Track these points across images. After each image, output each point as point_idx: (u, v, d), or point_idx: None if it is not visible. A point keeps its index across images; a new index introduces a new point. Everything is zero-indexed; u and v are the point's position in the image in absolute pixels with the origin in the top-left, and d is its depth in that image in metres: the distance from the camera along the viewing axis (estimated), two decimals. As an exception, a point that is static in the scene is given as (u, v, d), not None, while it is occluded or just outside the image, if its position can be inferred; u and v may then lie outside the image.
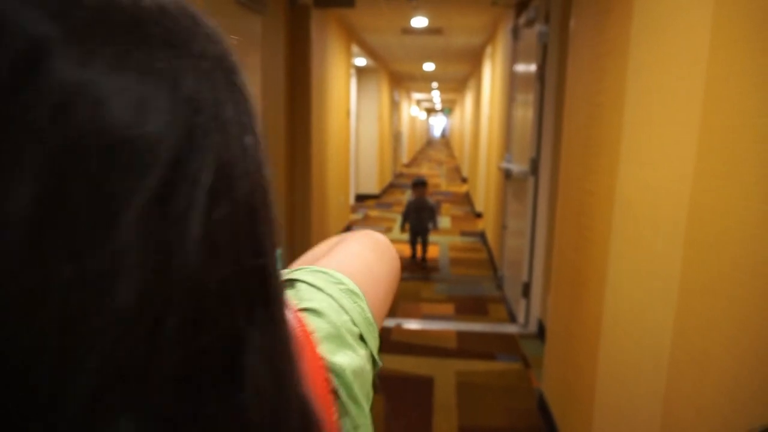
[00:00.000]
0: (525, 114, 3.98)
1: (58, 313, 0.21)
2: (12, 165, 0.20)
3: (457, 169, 16.01)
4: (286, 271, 0.52)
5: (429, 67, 10.63)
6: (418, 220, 5.40)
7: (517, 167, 4.10)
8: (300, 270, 0.51)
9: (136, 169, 0.22)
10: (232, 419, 0.26)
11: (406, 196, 10.17)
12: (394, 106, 13.03)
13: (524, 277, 3.86)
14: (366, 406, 0.45)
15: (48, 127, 0.21)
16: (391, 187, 11.60)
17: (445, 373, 3.16)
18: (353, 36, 7.02)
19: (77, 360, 0.21)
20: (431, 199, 5.68)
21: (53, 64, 0.21)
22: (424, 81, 14.35)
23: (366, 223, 7.81)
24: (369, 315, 0.49)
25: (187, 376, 0.24)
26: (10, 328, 0.20)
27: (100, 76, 0.22)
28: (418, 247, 5.54)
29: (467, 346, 3.58)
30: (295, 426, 0.30)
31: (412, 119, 21.06)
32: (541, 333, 3.62)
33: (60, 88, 0.21)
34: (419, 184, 5.47)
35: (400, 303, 4.38)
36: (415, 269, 5.35)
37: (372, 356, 0.48)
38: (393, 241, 6.33)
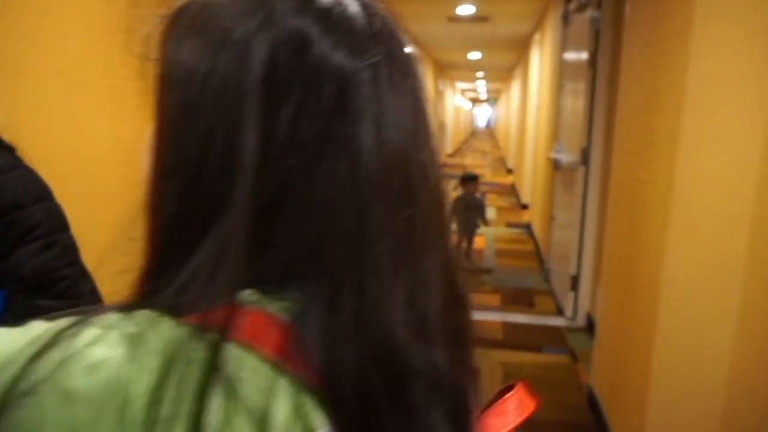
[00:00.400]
0: (575, 102, 3.87)
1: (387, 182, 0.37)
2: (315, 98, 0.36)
3: (502, 160, 15.77)
4: None
5: (475, 55, 10.48)
6: (467, 217, 4.99)
7: (567, 157, 4.00)
8: None
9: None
10: (437, 268, 0.40)
11: (451, 187, 10.08)
12: (439, 95, 12.92)
13: (572, 270, 3.78)
14: None
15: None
16: (435, 178, 11.52)
17: (490, 364, 3.14)
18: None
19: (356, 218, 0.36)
20: (479, 194, 5.40)
21: (356, 89, 0.36)
22: (469, 70, 14.17)
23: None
24: None
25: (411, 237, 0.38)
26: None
27: (377, 69, 0.37)
28: (463, 243, 5.16)
29: (513, 338, 3.54)
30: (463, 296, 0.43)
31: (457, 109, 20.85)
32: (589, 326, 3.54)
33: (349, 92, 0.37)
34: (469, 179, 5.04)
35: (444, 294, 4.36)
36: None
37: None
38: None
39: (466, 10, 5.90)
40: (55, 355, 0.31)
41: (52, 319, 0.34)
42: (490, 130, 36.88)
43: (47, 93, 1.76)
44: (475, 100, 34.84)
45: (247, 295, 0.34)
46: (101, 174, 2.02)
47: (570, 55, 4.19)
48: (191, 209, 0.36)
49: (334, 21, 0.37)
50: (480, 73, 15.45)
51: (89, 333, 0.32)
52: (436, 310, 0.39)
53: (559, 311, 4.02)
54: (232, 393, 0.31)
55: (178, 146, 0.36)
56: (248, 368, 0.32)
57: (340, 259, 0.35)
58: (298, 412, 0.33)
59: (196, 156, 0.35)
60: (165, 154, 0.37)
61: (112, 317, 0.33)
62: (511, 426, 0.42)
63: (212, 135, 0.35)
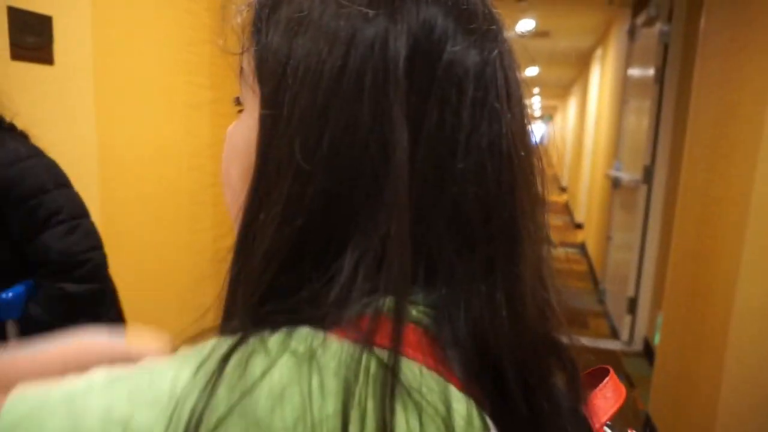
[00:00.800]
0: (638, 119, 3.74)
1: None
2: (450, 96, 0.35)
3: (555, 178, 15.44)
4: None
5: (532, 71, 10.34)
6: None
7: (628, 175, 3.86)
8: None
9: (487, 94, 0.36)
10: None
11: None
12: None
13: (630, 292, 3.63)
14: None
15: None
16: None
17: (540, 385, 3.04)
18: (456, 39, 6.96)
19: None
20: None
21: (492, 78, 0.36)
22: (525, 86, 13.97)
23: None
24: None
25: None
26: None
27: (503, 55, 0.38)
28: None
29: (565, 360, 3.42)
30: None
31: (510, 126, 20.52)
32: (647, 352, 3.38)
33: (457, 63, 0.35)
34: None
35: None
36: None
37: None
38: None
39: (526, 25, 5.83)
40: (232, 386, 0.29)
41: (192, 342, 0.32)
42: (543, 147, 36.20)
43: (135, 97, 1.86)
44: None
45: (387, 302, 0.32)
46: (173, 175, 2.09)
47: (635, 71, 4.06)
48: (333, 212, 0.33)
49: (461, 10, 0.36)
50: (536, 89, 15.23)
51: (259, 360, 0.30)
52: (553, 294, 0.40)
53: (614, 334, 3.86)
54: (415, 403, 0.30)
55: (307, 147, 0.33)
56: (421, 378, 0.31)
57: (496, 253, 0.35)
58: (472, 415, 0.32)
59: (334, 155, 0.33)
60: (283, 156, 0.34)
61: (274, 339, 0.31)
62: (614, 409, 0.42)
63: (354, 132, 0.33)
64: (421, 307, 0.34)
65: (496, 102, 0.36)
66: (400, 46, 0.33)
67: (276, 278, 0.34)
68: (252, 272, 0.34)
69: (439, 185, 0.34)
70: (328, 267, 0.32)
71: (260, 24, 0.36)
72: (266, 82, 0.36)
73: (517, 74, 0.39)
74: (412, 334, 0.32)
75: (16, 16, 1.43)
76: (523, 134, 0.38)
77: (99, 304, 1.19)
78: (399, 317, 0.31)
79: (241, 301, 0.35)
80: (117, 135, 1.79)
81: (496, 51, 0.37)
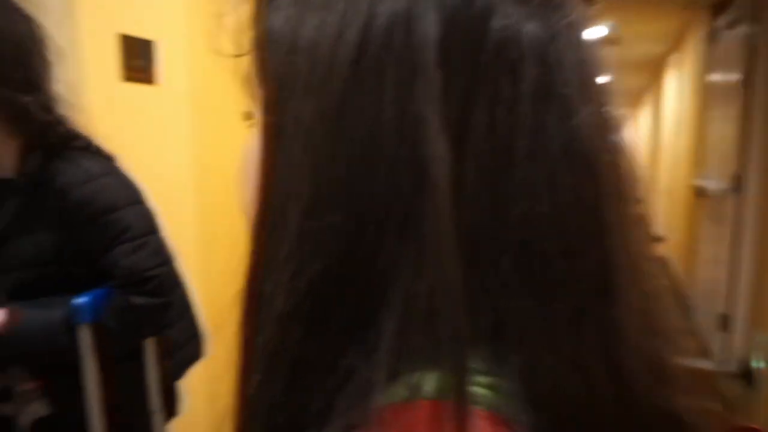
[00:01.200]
0: (723, 126, 3.56)
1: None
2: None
3: (628, 189, 14.86)
4: None
5: (600, 80, 10.06)
6: None
7: (714, 184, 3.68)
8: None
9: (545, 70, 0.27)
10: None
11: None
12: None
13: (721, 308, 3.42)
14: None
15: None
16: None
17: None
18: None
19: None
20: None
21: (558, 60, 0.28)
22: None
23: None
24: None
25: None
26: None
27: (571, 28, 0.28)
28: None
29: (653, 380, 3.26)
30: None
31: (578, 136, 20.01)
32: (745, 372, 3.17)
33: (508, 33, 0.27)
34: None
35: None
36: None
37: None
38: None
39: (596, 32, 5.69)
40: None
41: None
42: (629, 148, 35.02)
43: (230, 112, 2.01)
44: (596, 127, 33.36)
45: (441, 381, 0.24)
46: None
47: (716, 76, 3.88)
48: (358, 256, 0.25)
49: None
50: (604, 99, 14.76)
51: None
52: (670, 341, 0.30)
53: (705, 352, 3.65)
54: None
55: (317, 168, 0.26)
56: None
57: (585, 300, 0.26)
58: None
59: (352, 179, 0.25)
60: (291, 180, 0.27)
61: None
62: None
63: (375, 147, 0.25)
64: (486, 379, 0.25)
65: (566, 90, 0.27)
66: (428, 26, 0.25)
67: (301, 348, 0.26)
68: (268, 341, 0.27)
69: (497, 211, 0.26)
70: (364, 329, 0.25)
71: (260, 16, 0.30)
72: (267, 86, 0.29)
73: (593, 52, 0.30)
74: (479, 422, 0.24)
75: (126, 42, 1.65)
76: (606, 131, 0.29)
77: (163, 316, 1.24)
78: (462, 415, 0.23)
79: (260, 392, 0.27)
80: (212, 146, 1.98)
81: (562, 23, 0.27)
